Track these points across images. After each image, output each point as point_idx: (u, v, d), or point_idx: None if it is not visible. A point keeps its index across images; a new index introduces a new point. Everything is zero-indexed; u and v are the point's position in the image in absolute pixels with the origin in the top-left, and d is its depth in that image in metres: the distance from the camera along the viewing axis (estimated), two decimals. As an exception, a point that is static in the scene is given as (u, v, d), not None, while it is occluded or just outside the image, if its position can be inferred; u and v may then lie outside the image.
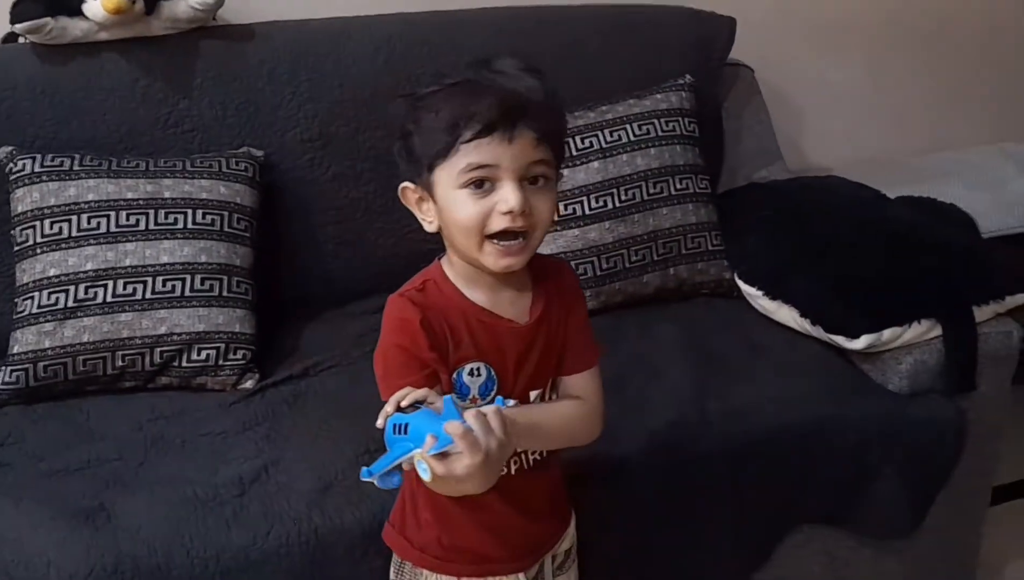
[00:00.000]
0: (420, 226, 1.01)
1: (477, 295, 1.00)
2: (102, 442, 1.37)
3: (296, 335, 1.65)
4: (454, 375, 0.99)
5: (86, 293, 1.47)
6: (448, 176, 0.93)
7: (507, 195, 0.91)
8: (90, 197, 1.51)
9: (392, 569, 1.13)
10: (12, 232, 1.53)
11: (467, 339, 0.98)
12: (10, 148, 1.56)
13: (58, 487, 1.27)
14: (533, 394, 1.04)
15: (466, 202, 0.92)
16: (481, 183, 0.92)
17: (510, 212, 0.91)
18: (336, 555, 1.22)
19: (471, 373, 0.99)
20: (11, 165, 1.54)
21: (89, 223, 1.50)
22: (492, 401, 0.99)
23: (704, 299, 1.75)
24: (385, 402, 0.90)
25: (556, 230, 1.66)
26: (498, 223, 0.92)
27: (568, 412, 1.05)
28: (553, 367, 1.06)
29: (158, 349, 1.48)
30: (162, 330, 1.48)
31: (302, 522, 1.21)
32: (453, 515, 1.03)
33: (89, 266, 1.48)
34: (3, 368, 1.47)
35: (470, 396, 1.00)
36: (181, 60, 1.67)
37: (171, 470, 1.30)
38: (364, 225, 1.75)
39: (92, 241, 1.49)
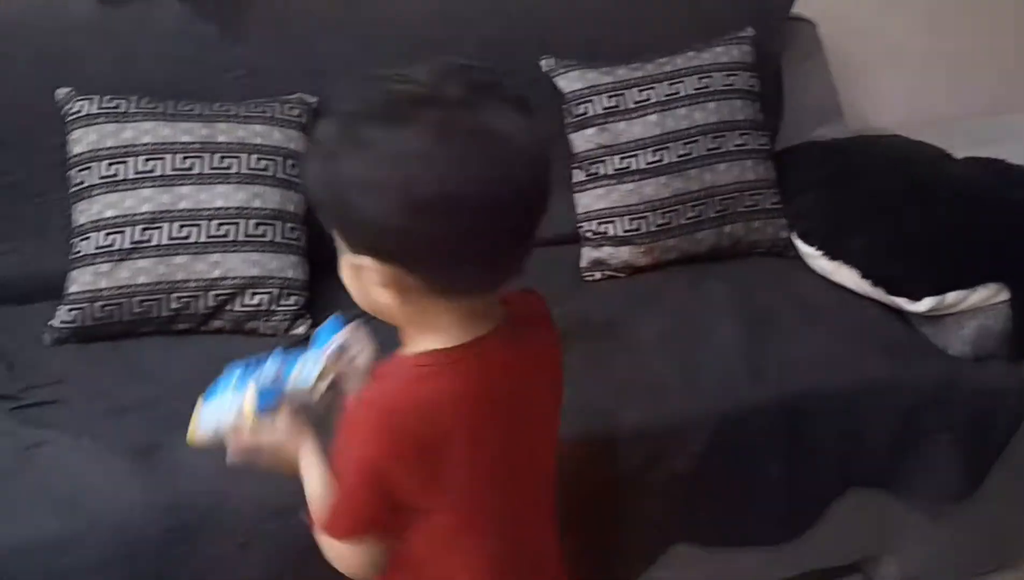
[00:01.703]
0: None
1: None
2: (157, 383, 1.39)
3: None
4: None
5: (142, 235, 1.48)
6: None
7: None
8: (146, 140, 1.51)
9: None
10: (69, 173, 1.53)
11: None
12: (68, 89, 1.56)
13: (114, 425, 1.29)
14: None
15: None
16: None
17: None
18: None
19: None
20: (69, 106, 1.54)
21: (145, 165, 1.50)
22: None
23: (759, 258, 1.72)
24: None
25: (610, 184, 1.64)
26: None
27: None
28: None
29: (212, 292, 1.49)
30: (216, 274, 1.49)
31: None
32: None
33: (145, 208, 1.48)
34: (60, 307, 1.49)
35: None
36: (236, 5, 1.66)
37: (225, 412, 1.31)
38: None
39: (148, 183, 1.49)
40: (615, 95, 1.65)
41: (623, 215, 1.63)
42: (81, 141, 1.52)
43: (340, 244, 0.82)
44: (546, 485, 0.94)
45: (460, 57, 0.79)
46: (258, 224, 1.51)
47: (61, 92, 1.56)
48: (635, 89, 1.65)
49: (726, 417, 1.35)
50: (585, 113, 1.65)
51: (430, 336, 0.83)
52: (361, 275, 0.81)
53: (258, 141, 1.55)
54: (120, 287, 1.47)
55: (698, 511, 1.38)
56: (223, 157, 1.52)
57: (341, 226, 0.80)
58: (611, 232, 1.64)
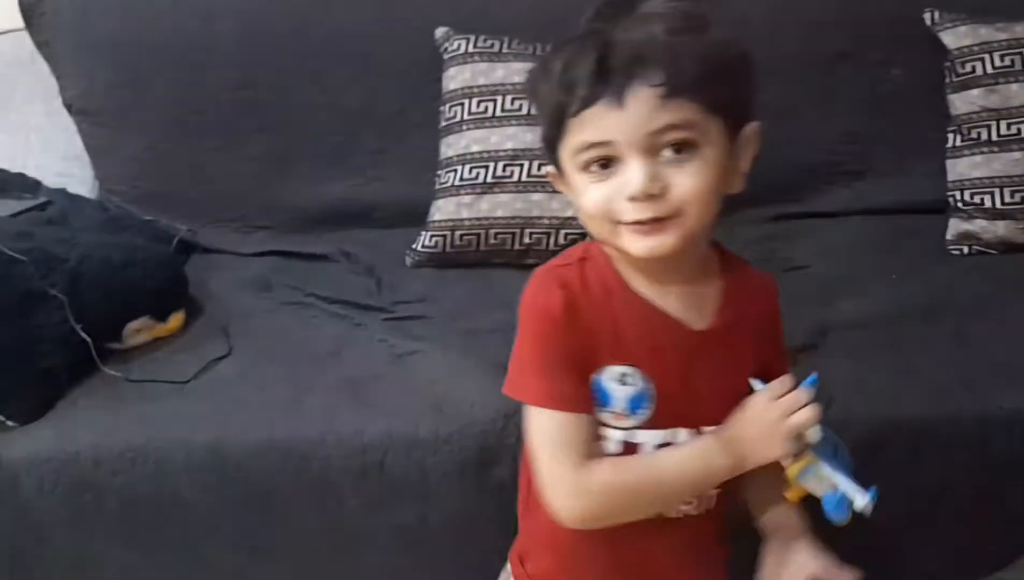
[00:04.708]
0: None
1: (639, 285, 0.81)
2: (509, 310, 1.45)
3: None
4: (593, 376, 0.80)
5: (504, 171, 1.55)
6: (568, 157, 0.77)
7: (630, 176, 0.73)
8: (516, 79, 1.58)
9: None
10: (441, 108, 1.64)
11: (621, 336, 0.79)
12: (446, 28, 1.66)
13: (474, 343, 1.36)
14: (708, 430, 0.81)
15: (588, 187, 0.76)
16: (606, 162, 0.74)
17: (633, 198, 0.73)
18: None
19: (620, 379, 0.79)
20: (447, 44, 1.64)
21: (512, 104, 1.57)
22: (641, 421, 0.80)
23: None
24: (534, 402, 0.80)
25: (992, 152, 1.49)
26: (625, 212, 0.74)
27: None
28: (741, 397, 0.80)
29: (563, 231, 1.54)
30: (569, 213, 1.53)
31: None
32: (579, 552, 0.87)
33: (509, 145, 1.56)
34: (423, 233, 1.60)
35: (611, 408, 0.79)
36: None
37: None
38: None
39: (514, 121, 1.56)
40: (1010, 54, 1.49)
41: (1004, 186, 1.48)
42: (456, 78, 1.61)
43: (697, 145, 0.74)
44: None
45: None
46: (614, 167, 1.53)
47: (440, 31, 1.67)
48: (1038, 47, 1.49)
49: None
50: (972, 72, 1.51)
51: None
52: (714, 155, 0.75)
53: (619, 85, 1.56)
54: (479, 219, 1.56)
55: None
56: (586, 100, 1.55)
57: (729, 91, 0.74)
58: (987, 204, 1.49)
